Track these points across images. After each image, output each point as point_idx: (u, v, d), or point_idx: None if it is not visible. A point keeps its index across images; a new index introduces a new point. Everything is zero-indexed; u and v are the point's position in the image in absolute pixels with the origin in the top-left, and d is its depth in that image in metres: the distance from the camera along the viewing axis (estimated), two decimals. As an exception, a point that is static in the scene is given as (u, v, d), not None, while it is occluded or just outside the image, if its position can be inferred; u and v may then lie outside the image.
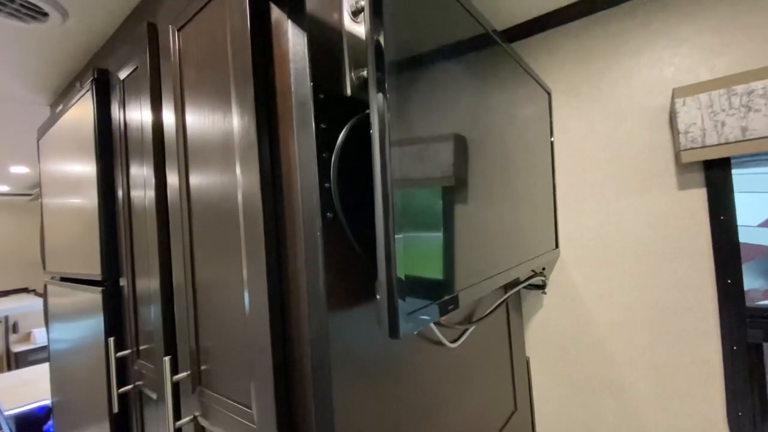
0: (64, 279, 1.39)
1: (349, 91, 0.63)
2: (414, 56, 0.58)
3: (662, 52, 1.14)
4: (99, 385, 1.10)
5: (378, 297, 0.50)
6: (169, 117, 0.83)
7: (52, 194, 1.43)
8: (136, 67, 0.94)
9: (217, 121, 0.70)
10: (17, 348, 3.99)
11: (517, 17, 1.33)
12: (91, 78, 1.10)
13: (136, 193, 0.97)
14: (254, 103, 0.62)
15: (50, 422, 2.27)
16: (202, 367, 0.77)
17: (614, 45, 1.22)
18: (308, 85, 0.58)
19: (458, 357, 0.93)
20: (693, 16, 1.09)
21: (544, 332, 1.38)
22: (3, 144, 2.45)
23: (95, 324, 1.11)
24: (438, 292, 0.60)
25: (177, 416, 0.84)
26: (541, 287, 1.36)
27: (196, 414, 0.79)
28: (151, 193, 0.88)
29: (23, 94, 1.65)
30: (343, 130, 0.62)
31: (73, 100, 1.21)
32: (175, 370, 0.84)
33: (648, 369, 1.18)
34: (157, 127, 0.88)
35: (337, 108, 0.61)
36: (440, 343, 0.85)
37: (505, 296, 1.18)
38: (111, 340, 1.04)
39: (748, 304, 1.04)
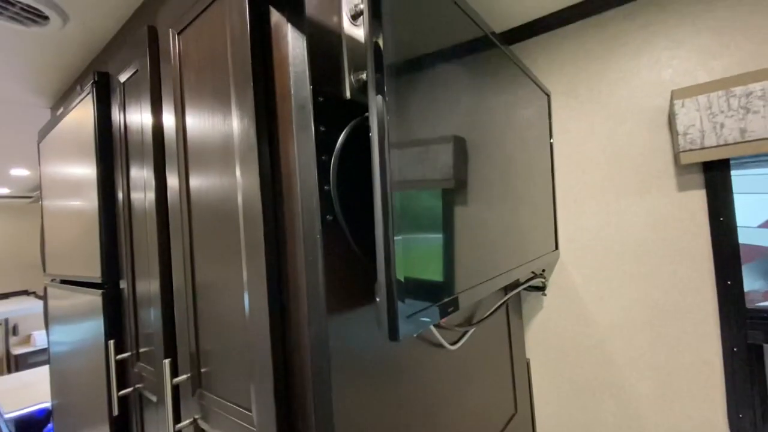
0: (64, 281, 1.39)
1: (348, 94, 0.64)
2: (413, 59, 0.58)
3: (661, 54, 1.14)
4: (99, 387, 1.10)
5: (377, 299, 0.50)
6: (169, 120, 0.83)
7: (52, 197, 1.43)
8: (137, 70, 0.94)
9: (217, 124, 0.71)
10: (17, 350, 3.99)
11: (516, 20, 1.33)
12: (92, 81, 1.10)
13: (136, 196, 0.97)
14: (254, 105, 0.62)
15: (50, 425, 2.27)
16: (202, 370, 0.77)
17: (613, 47, 1.22)
18: (308, 88, 0.58)
19: (458, 359, 0.92)
20: (691, 18, 1.09)
21: (544, 334, 1.38)
22: (3, 146, 2.46)
23: (95, 326, 1.11)
24: (438, 294, 0.60)
25: (177, 419, 0.83)
26: (541, 289, 1.36)
27: (196, 417, 0.79)
28: (151, 196, 0.88)
29: (24, 97, 1.66)
30: (343, 133, 0.62)
31: (74, 103, 1.21)
32: (175, 373, 0.84)
33: (648, 370, 1.18)
34: (158, 129, 0.88)
35: (336, 111, 0.61)
36: (440, 345, 0.85)
37: (505, 298, 1.18)
38: (111, 342, 1.04)
39: (749, 305, 1.04)
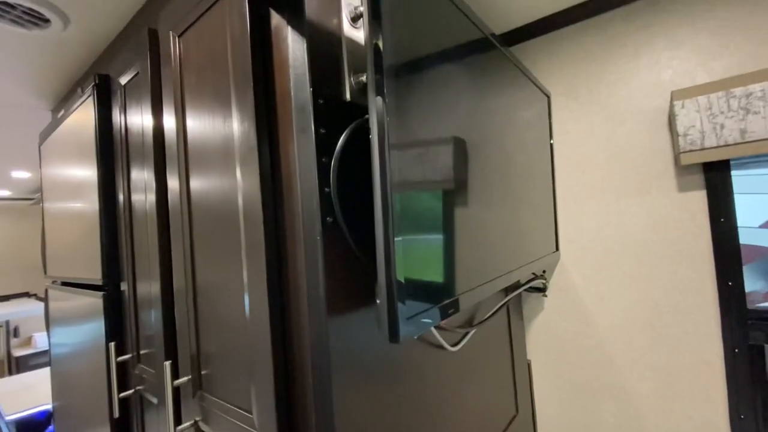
0: (65, 283, 1.39)
1: (348, 97, 0.64)
2: (413, 61, 0.58)
3: (660, 55, 1.14)
4: (100, 389, 1.10)
5: (378, 301, 0.50)
6: (169, 121, 0.83)
7: (53, 199, 1.43)
8: (137, 73, 0.95)
9: (217, 126, 0.71)
10: (18, 352, 4.00)
11: (516, 21, 1.34)
12: (93, 83, 1.10)
13: (137, 198, 0.98)
14: (254, 108, 0.62)
15: (51, 427, 2.27)
16: (203, 372, 0.77)
17: (612, 48, 1.22)
18: (308, 90, 0.58)
19: (459, 360, 0.92)
20: (690, 19, 1.10)
21: (545, 335, 1.38)
22: (5, 149, 2.46)
23: (96, 328, 1.11)
24: (438, 295, 0.60)
25: (178, 421, 0.83)
26: (542, 290, 1.36)
27: (197, 419, 0.79)
28: (151, 197, 0.89)
29: (25, 99, 1.66)
30: (343, 135, 0.62)
31: (75, 106, 1.21)
32: (175, 375, 0.84)
33: (649, 371, 1.18)
34: (158, 131, 0.88)
35: (336, 113, 0.62)
36: (441, 347, 0.85)
37: (506, 299, 1.18)
38: (112, 344, 1.04)
39: (750, 306, 1.03)
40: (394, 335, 0.49)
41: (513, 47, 1.42)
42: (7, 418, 2.21)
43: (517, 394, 1.25)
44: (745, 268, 1.04)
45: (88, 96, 1.12)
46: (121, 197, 1.05)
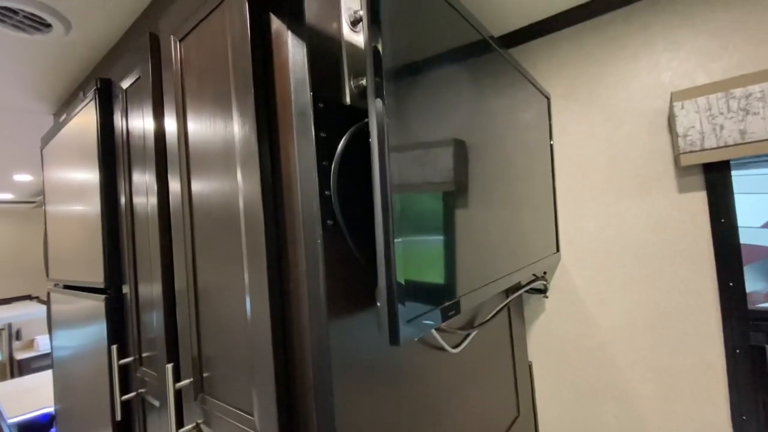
0: (67, 286, 1.39)
1: (348, 100, 0.64)
2: (412, 64, 0.59)
3: (660, 56, 1.14)
4: (102, 392, 1.10)
5: (378, 303, 0.51)
6: (171, 125, 0.84)
7: (55, 202, 1.44)
8: (139, 77, 0.95)
9: (218, 129, 0.71)
10: (20, 355, 4.00)
11: (516, 23, 1.34)
12: (94, 87, 1.11)
13: (138, 201, 0.98)
14: (255, 111, 0.62)
15: (53, 430, 2.27)
16: (205, 374, 0.78)
17: (612, 49, 1.23)
18: (308, 94, 0.58)
19: (460, 362, 0.92)
20: (690, 20, 1.10)
21: (546, 336, 1.38)
22: (7, 152, 2.48)
23: (98, 331, 1.11)
24: (439, 297, 0.60)
25: (179, 424, 0.84)
26: (543, 291, 1.36)
27: (199, 421, 0.79)
28: (153, 200, 0.89)
29: (27, 103, 1.67)
30: (343, 139, 0.62)
31: (77, 110, 1.22)
32: (177, 378, 0.85)
33: (650, 373, 1.17)
34: (159, 135, 0.89)
35: (336, 117, 0.62)
36: (442, 349, 0.85)
37: (507, 300, 1.18)
38: (114, 347, 1.04)
39: (751, 306, 1.03)
40: (394, 338, 0.49)
41: (513, 49, 1.42)
42: (10, 420, 2.21)
43: (518, 396, 1.25)
44: (746, 269, 1.04)
45: (90, 100, 1.13)
46: (122, 200, 1.06)
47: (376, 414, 0.65)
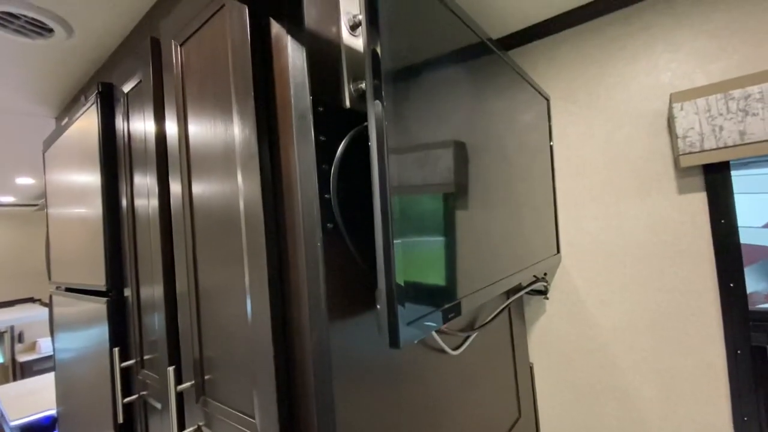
0: (69, 289, 1.40)
1: (348, 104, 0.65)
2: (411, 67, 0.59)
3: (659, 58, 1.15)
4: (104, 395, 1.10)
5: (378, 306, 0.51)
6: (171, 128, 0.84)
7: (57, 205, 1.44)
8: (140, 81, 0.96)
9: (218, 133, 0.72)
10: (23, 358, 4.01)
11: (515, 25, 1.34)
12: (96, 91, 1.12)
13: (139, 203, 0.99)
14: (255, 115, 0.63)
15: (55, 432, 2.28)
16: (206, 377, 0.78)
17: (611, 51, 1.23)
18: (308, 98, 0.59)
19: (461, 364, 0.93)
20: (689, 22, 1.10)
21: (547, 338, 1.38)
22: (9, 156, 2.49)
23: (100, 334, 1.12)
24: (439, 299, 0.60)
25: (181, 426, 0.84)
26: (544, 293, 1.36)
27: (200, 424, 0.79)
28: (154, 203, 0.89)
29: (29, 107, 1.68)
30: (343, 142, 0.63)
31: (78, 113, 1.23)
32: (179, 380, 0.85)
33: (651, 374, 1.17)
34: (160, 138, 0.89)
35: (336, 120, 0.62)
36: (442, 351, 0.86)
37: (508, 302, 1.18)
38: (116, 350, 1.04)
39: (751, 307, 1.03)
40: (394, 340, 0.50)
41: (512, 51, 1.42)
42: (12, 423, 2.22)
43: (519, 398, 1.25)
44: (746, 270, 1.04)
45: (92, 104, 1.14)
46: (124, 203, 1.06)
47: (377, 416, 0.65)
